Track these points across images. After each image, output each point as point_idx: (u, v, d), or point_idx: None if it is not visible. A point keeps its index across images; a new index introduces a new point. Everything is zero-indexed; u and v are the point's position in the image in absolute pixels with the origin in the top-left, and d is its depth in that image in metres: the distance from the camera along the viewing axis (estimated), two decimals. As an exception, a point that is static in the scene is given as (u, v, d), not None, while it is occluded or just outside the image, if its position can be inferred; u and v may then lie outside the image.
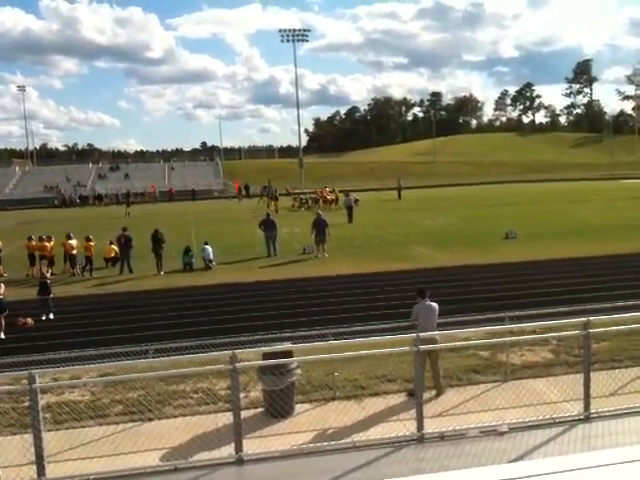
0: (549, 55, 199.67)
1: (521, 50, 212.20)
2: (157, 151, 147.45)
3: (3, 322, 14.20)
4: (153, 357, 9.94)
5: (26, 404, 8.10)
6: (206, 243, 22.57)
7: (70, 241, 22.08)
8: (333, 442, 7.61)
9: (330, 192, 47.45)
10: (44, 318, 15.52)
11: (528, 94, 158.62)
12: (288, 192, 56.66)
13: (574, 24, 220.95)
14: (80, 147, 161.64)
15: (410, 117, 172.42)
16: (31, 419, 6.77)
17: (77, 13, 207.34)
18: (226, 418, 8.18)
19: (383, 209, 43.36)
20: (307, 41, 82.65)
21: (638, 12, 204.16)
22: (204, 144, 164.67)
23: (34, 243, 22.11)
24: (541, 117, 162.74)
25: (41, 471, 6.69)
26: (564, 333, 8.99)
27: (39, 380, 6.78)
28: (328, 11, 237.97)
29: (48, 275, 16.63)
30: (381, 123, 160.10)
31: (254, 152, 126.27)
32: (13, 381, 8.84)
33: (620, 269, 18.39)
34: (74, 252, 21.95)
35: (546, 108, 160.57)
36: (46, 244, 21.69)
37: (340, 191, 47.21)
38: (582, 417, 7.89)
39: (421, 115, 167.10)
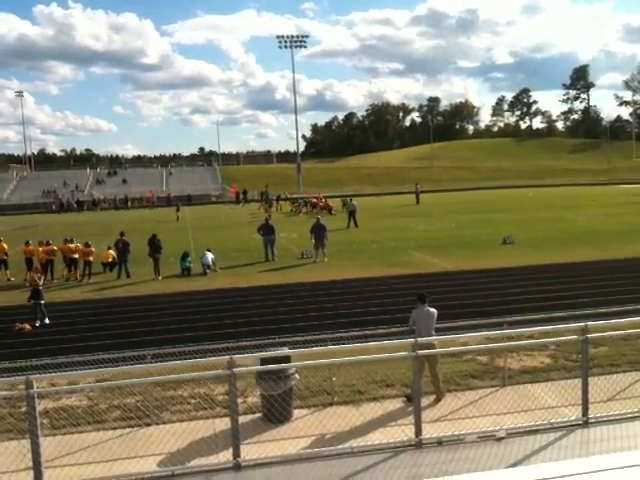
0: (543, 61, 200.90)
1: (516, 56, 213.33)
2: (155, 156, 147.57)
3: None
4: (151, 362, 9.91)
5: (23, 409, 8.07)
6: (208, 250, 22.55)
7: (71, 244, 22.13)
8: (331, 447, 7.59)
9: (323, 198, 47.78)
10: (38, 324, 15.41)
11: (525, 100, 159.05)
12: (286, 197, 56.72)
13: (568, 30, 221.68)
14: (78, 152, 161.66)
15: (408, 123, 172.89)
16: (28, 425, 6.73)
17: (72, 19, 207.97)
18: (224, 423, 8.17)
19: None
20: (305, 47, 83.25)
21: (632, 18, 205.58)
22: (202, 149, 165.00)
23: (31, 248, 22.11)
24: (538, 123, 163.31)
25: (38, 477, 6.66)
26: (562, 338, 8.98)
27: (36, 385, 6.75)
28: (323, 17, 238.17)
29: (40, 282, 16.43)
30: (379, 128, 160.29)
31: (252, 157, 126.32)
32: (10, 386, 8.84)
33: (618, 274, 18.42)
34: (75, 256, 21.93)
35: (543, 114, 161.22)
36: (54, 247, 21.78)
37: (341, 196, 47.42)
38: (580, 422, 7.88)
39: (419, 121, 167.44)
